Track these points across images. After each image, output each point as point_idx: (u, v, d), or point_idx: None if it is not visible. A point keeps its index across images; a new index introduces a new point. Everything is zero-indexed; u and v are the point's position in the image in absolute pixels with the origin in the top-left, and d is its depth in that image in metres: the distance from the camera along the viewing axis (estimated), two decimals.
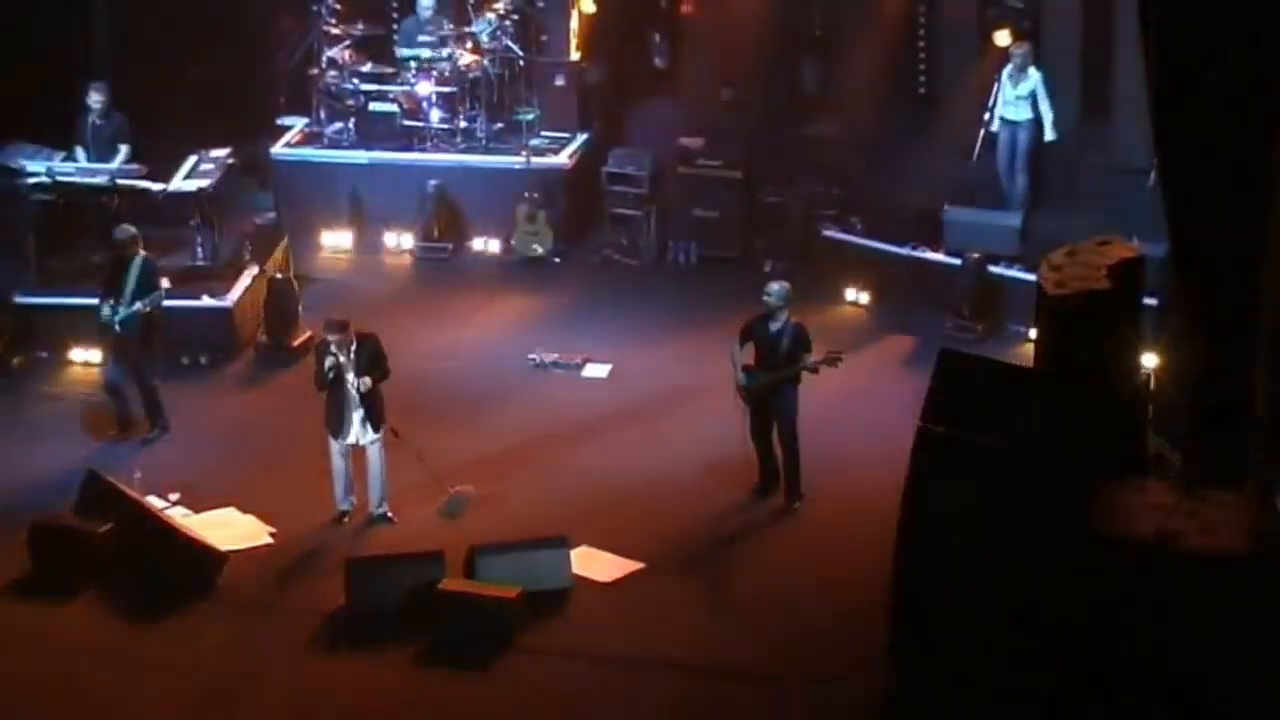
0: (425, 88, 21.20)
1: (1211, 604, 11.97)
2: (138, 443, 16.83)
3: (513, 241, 20.83)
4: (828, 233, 20.14)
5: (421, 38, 21.35)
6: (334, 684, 13.68)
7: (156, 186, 19.28)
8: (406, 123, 21.27)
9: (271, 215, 20.71)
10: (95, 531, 14.84)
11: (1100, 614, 12.25)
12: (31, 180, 19.13)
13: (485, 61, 21.31)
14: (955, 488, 12.65)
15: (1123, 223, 16.65)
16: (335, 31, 21.39)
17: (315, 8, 21.52)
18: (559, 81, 21.70)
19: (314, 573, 14.99)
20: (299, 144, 21.60)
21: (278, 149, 21.47)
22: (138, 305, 16.52)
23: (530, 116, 21.18)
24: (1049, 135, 19.63)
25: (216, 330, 18.62)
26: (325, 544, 15.36)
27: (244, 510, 15.71)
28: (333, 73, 21.34)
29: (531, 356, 18.43)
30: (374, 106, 21.35)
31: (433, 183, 20.81)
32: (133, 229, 16.91)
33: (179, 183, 19.43)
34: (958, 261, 19.08)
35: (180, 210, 19.34)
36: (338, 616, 14.36)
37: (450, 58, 21.18)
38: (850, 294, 19.58)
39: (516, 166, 20.97)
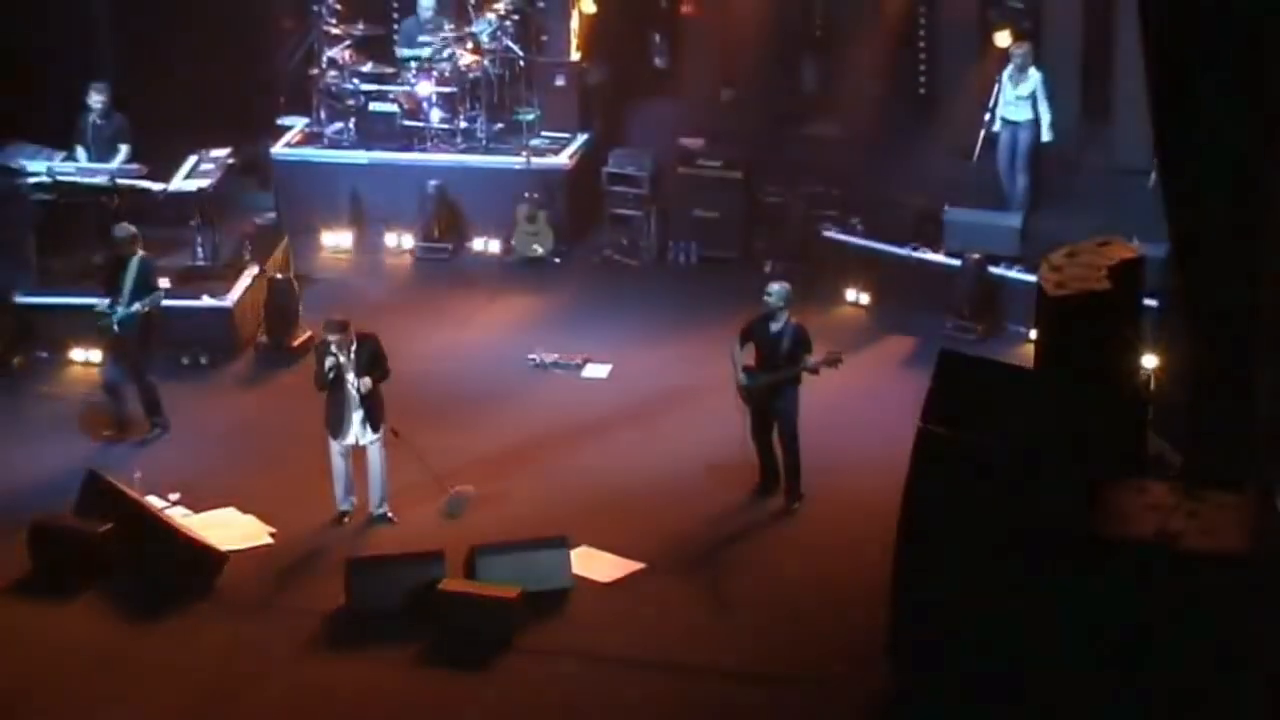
0: (425, 88, 21.20)
1: (1211, 604, 11.98)
2: (138, 443, 16.84)
3: (513, 242, 20.83)
4: (828, 233, 20.13)
5: (422, 38, 21.35)
6: (334, 684, 13.68)
7: (157, 186, 19.29)
8: (407, 123, 21.28)
9: (272, 215, 20.71)
10: (95, 532, 14.84)
11: (1100, 614, 12.25)
12: (32, 180, 19.14)
13: (486, 62, 21.32)
14: (955, 488, 12.66)
15: (1123, 223, 16.64)
16: (335, 31, 21.40)
17: (315, 8, 21.53)
18: (559, 82, 21.70)
19: (314, 573, 14.99)
20: (299, 144, 21.60)
21: (278, 149, 21.47)
22: (136, 306, 16.52)
23: (530, 117, 21.18)
24: (1045, 136, 19.63)
25: (217, 330, 18.63)
26: (325, 544, 15.36)
27: (244, 510, 15.71)
28: (333, 73, 21.34)
29: (532, 357, 18.44)
30: (374, 106, 21.35)
31: (433, 183, 20.81)
32: (132, 228, 16.91)
33: (179, 183, 19.44)
34: (958, 262, 19.08)
35: (180, 210, 19.35)
36: (338, 617, 14.37)
37: (451, 58, 21.18)
38: (850, 294, 19.58)
39: (517, 167, 20.98)
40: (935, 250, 19.47)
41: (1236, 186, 12.43)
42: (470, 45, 21.30)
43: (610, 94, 22.31)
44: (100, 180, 19.14)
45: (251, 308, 18.93)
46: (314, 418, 15.61)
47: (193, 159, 19.76)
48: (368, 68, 21.39)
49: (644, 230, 20.91)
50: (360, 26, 21.46)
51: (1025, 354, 17.08)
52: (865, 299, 19.53)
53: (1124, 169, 19.60)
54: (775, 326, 15.62)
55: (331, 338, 15.25)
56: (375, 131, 21.34)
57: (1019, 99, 19.64)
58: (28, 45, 20.70)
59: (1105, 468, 12.74)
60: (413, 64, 21.29)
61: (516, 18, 21.57)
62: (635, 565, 14.97)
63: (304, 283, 19.41)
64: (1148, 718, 12.24)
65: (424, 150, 21.30)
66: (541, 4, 21.79)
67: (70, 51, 21.12)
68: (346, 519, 15.63)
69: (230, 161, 20.08)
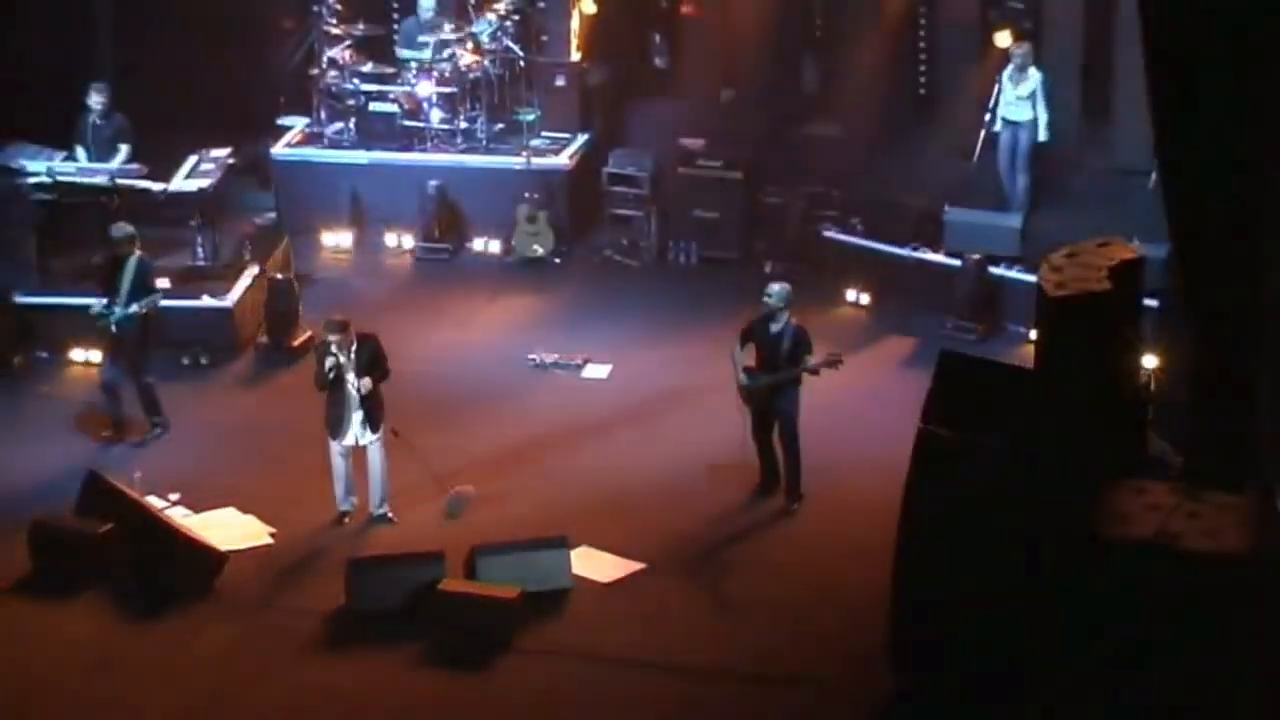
0: (426, 88, 21.20)
1: (1211, 604, 11.97)
2: (138, 443, 16.84)
3: (513, 242, 20.83)
4: (828, 233, 20.14)
5: (422, 38, 21.35)
6: (334, 684, 13.68)
7: (157, 186, 19.29)
8: (407, 123, 21.28)
9: (272, 215, 20.72)
10: (95, 532, 14.84)
11: (1100, 614, 12.25)
12: (32, 180, 19.14)
13: (486, 62, 21.32)
14: (955, 488, 12.66)
15: (1123, 223, 16.65)
16: (336, 31, 21.40)
17: (316, 8, 21.53)
18: (559, 82, 21.70)
19: (314, 573, 14.99)
20: (299, 144, 21.60)
21: (278, 149, 21.48)
22: (134, 308, 16.52)
23: (531, 117, 21.18)
24: (1042, 136, 19.63)
25: (217, 330, 18.63)
26: (325, 544, 15.37)
27: (244, 510, 15.71)
28: (333, 73, 21.34)
29: (532, 357, 18.44)
30: (374, 107, 21.36)
31: (433, 183, 20.81)
32: (130, 228, 16.91)
33: (179, 183, 19.44)
34: (958, 262, 19.08)
35: (180, 210, 19.35)
36: (338, 617, 14.37)
37: (451, 58, 21.19)
38: (851, 295, 19.58)
39: (517, 167, 20.98)
40: (935, 250, 19.47)
41: (1236, 186, 12.43)
42: (470, 45, 21.30)
43: (610, 94, 22.31)
44: (100, 180, 19.14)
45: (252, 308, 18.93)
46: (314, 418, 15.61)
47: (193, 159, 19.76)
48: (368, 68, 21.40)
49: (644, 230, 20.92)
50: (360, 26, 21.47)
51: (1025, 354, 17.08)
52: (865, 299, 19.53)
53: (1124, 169, 19.60)
54: (775, 327, 15.63)
55: (332, 338, 15.25)
56: (375, 132, 21.34)
57: (1019, 99, 19.64)
58: (28, 45, 20.70)
59: (1105, 468, 12.74)
60: (413, 64, 21.30)
61: (517, 18, 21.58)
62: (635, 565, 14.98)
63: (304, 283, 19.42)
64: (1148, 718, 12.24)
65: (424, 150, 21.31)
66: (542, 4, 21.80)
67: (70, 51, 21.14)
68: (347, 519, 15.63)
69: (230, 161, 20.09)
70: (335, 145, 21.41)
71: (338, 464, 15.55)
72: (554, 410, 17.49)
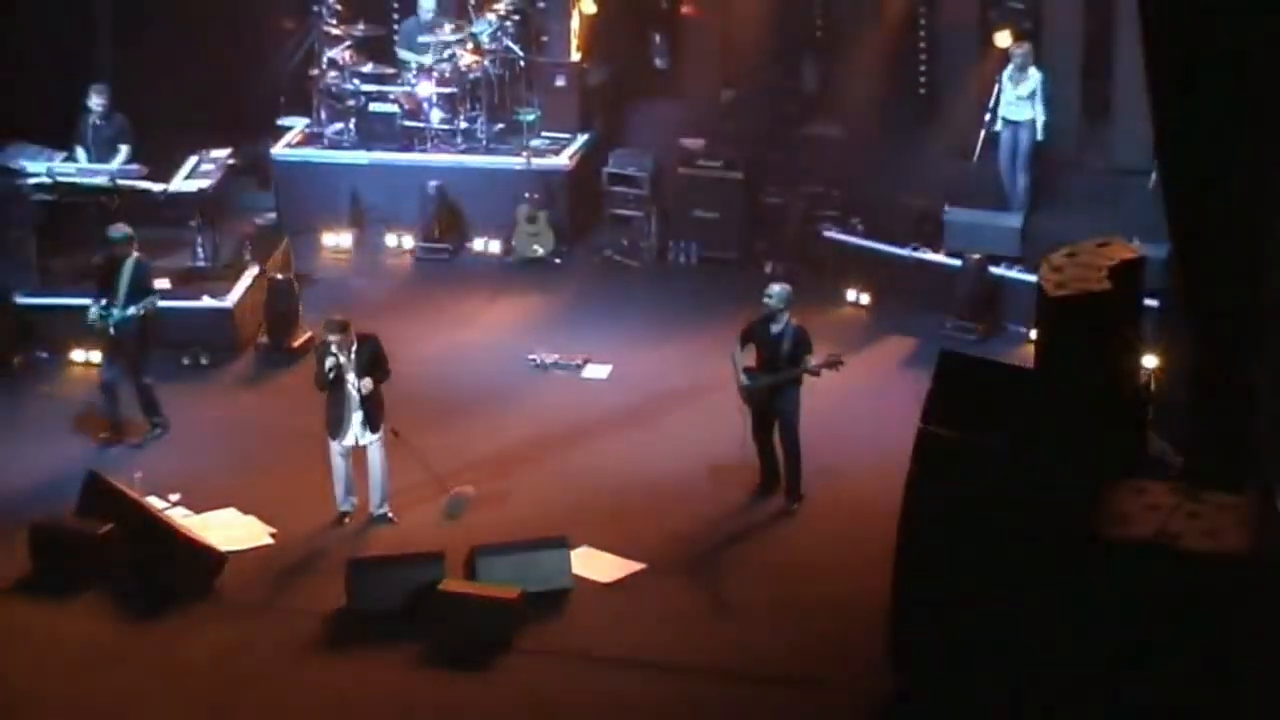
0: (426, 88, 21.21)
1: (1212, 604, 11.97)
2: (138, 443, 16.83)
3: (513, 242, 20.84)
4: (828, 234, 20.14)
5: (422, 39, 21.35)
6: (334, 685, 13.67)
7: (157, 187, 19.29)
8: (407, 123, 21.29)
9: (272, 216, 20.73)
10: (96, 533, 14.84)
11: (1100, 615, 12.25)
12: (32, 181, 19.14)
13: (486, 62, 21.32)
14: (956, 489, 12.66)
15: (1123, 223, 16.67)
16: (336, 32, 21.41)
17: (316, 8, 21.54)
18: (560, 82, 21.71)
19: (314, 573, 14.99)
20: (299, 144, 21.61)
21: (278, 149, 21.48)
22: (132, 310, 16.52)
23: (531, 117, 21.18)
24: (1039, 136, 19.62)
25: (217, 331, 18.63)
26: (326, 545, 15.37)
27: (244, 511, 15.71)
28: (333, 73, 21.35)
29: (532, 357, 18.44)
30: (374, 107, 21.38)
31: (433, 183, 20.81)
32: (127, 229, 16.90)
33: (179, 183, 19.44)
34: (958, 262, 19.08)
35: (181, 211, 19.34)
36: (338, 617, 14.37)
37: (451, 58, 21.19)
38: (851, 295, 19.58)
39: (517, 167, 20.98)
40: (936, 250, 19.47)
41: (1237, 187, 12.43)
42: (471, 46, 21.30)
43: (610, 94, 22.31)
44: (101, 181, 19.14)
45: (252, 308, 18.93)
46: (314, 418, 15.61)
47: (193, 159, 19.76)
48: (368, 68, 21.40)
49: (644, 231, 20.92)
50: (360, 27, 21.47)
51: (1025, 354, 17.09)
52: (865, 299, 19.53)
53: (1124, 169, 19.59)
54: (776, 328, 15.63)
55: (332, 338, 15.25)
56: (375, 132, 21.35)
57: (1020, 99, 19.63)
58: (28, 45, 20.70)
59: (1105, 468, 12.74)
60: (413, 65, 21.30)
61: (517, 18, 21.58)
62: (636, 566, 14.98)
63: (304, 283, 19.42)
64: (1148, 718, 12.24)
65: (424, 151, 21.31)
66: (542, 4, 21.79)
67: (71, 52, 21.13)
68: (347, 519, 15.63)
69: (230, 162, 20.09)
70: (335, 145, 21.41)
71: (338, 464, 15.55)
72: (554, 410, 17.49)
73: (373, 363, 15.33)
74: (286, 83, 22.22)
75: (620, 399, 17.72)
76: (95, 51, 21.58)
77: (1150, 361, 15.93)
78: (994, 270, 18.97)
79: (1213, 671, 11.98)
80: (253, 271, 19.24)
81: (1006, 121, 19.72)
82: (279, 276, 18.94)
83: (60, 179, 19.15)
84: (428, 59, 21.25)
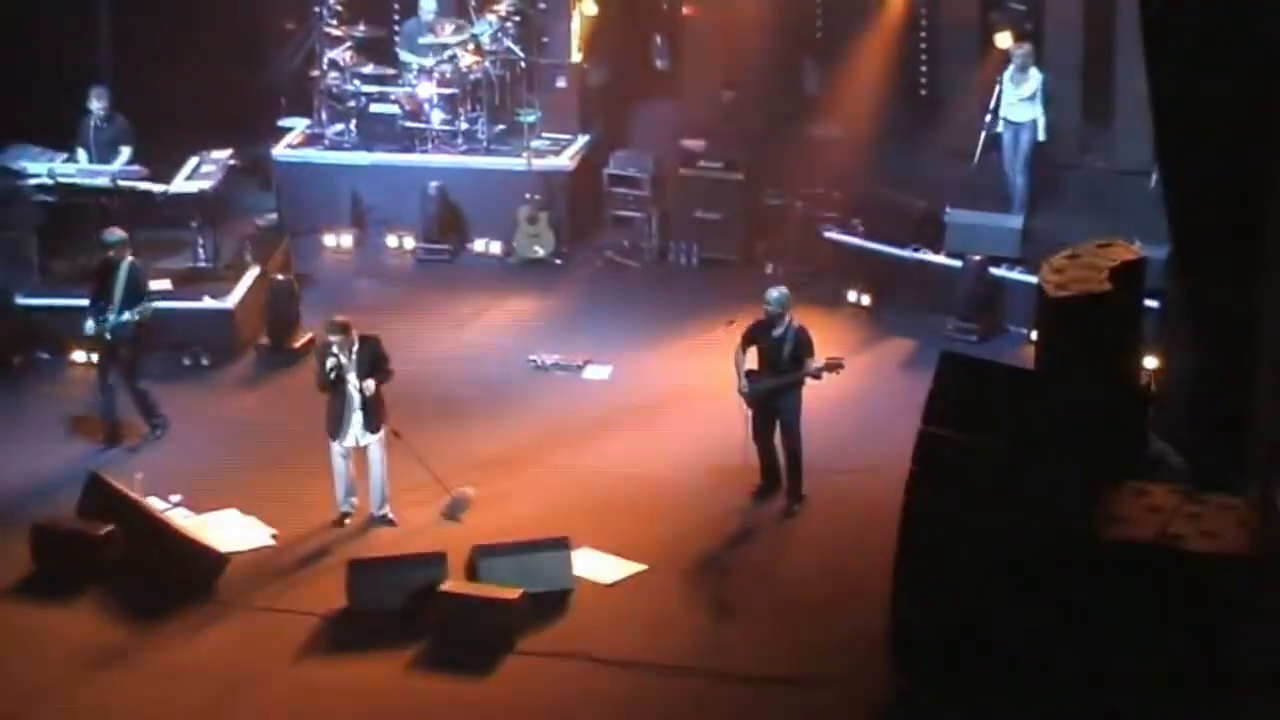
0: (427, 89, 21.21)
1: (1212, 605, 11.98)
2: (139, 445, 16.83)
3: (514, 243, 20.84)
4: (829, 234, 20.14)
5: (423, 40, 21.35)
6: (335, 685, 13.68)
7: (158, 188, 19.27)
8: (408, 124, 21.29)
9: (273, 217, 20.72)
10: (97, 534, 14.84)
11: (1101, 616, 12.25)
12: (33, 182, 19.14)
13: (487, 63, 21.32)
14: (956, 490, 12.66)
15: (1124, 224, 16.67)
16: (336, 33, 21.41)
17: (316, 9, 21.54)
18: (560, 83, 21.71)
19: (315, 574, 14.99)
20: (300, 145, 21.61)
21: (279, 150, 21.48)
22: (127, 315, 16.52)
23: (532, 118, 21.19)
24: (1041, 136, 19.61)
25: (218, 331, 18.64)
26: (326, 545, 15.37)
27: (245, 512, 15.71)
28: (334, 74, 21.34)
29: (533, 358, 18.44)
30: (375, 108, 21.38)
31: (434, 184, 20.81)
32: (121, 233, 16.90)
33: (180, 184, 19.42)
34: (959, 263, 19.08)
35: (181, 212, 19.34)
36: (339, 618, 14.37)
37: (452, 59, 21.20)
38: (851, 296, 19.57)
39: (518, 168, 20.98)
40: (936, 251, 19.47)
41: (1237, 187, 12.45)
42: (471, 47, 21.30)
43: (611, 95, 22.31)
44: (102, 182, 19.14)
45: (252, 309, 18.93)
46: (315, 419, 15.61)
47: (194, 160, 19.74)
48: (369, 69, 21.40)
49: (645, 231, 20.92)
50: (361, 28, 21.47)
51: (1026, 355, 17.09)
52: (866, 300, 19.52)
53: (1125, 170, 19.60)
54: (777, 331, 15.63)
55: (333, 339, 15.26)
56: (376, 133, 21.36)
57: (1021, 100, 19.62)
58: (30, 47, 20.70)
59: (1106, 469, 12.74)
60: (414, 66, 21.31)
61: (518, 19, 21.58)
62: (637, 566, 14.98)
63: (305, 284, 19.43)
64: (1148, 718, 12.25)
65: (425, 152, 21.31)
66: (543, 5, 21.79)
67: (72, 53, 21.13)
68: (348, 520, 15.63)
69: (231, 163, 20.07)
70: (336, 146, 21.41)
71: (338, 465, 15.55)
72: (555, 411, 17.49)
73: (373, 363, 15.34)
74: (287, 84, 22.23)
75: (621, 400, 17.73)
76: (96, 53, 21.58)
77: (1150, 362, 15.94)
78: (994, 271, 18.97)
79: (1214, 672, 11.99)
80: (253, 272, 19.24)
81: (1008, 122, 19.71)
82: (280, 277, 18.95)
83: (61, 180, 19.15)
84: (428, 60, 21.26)
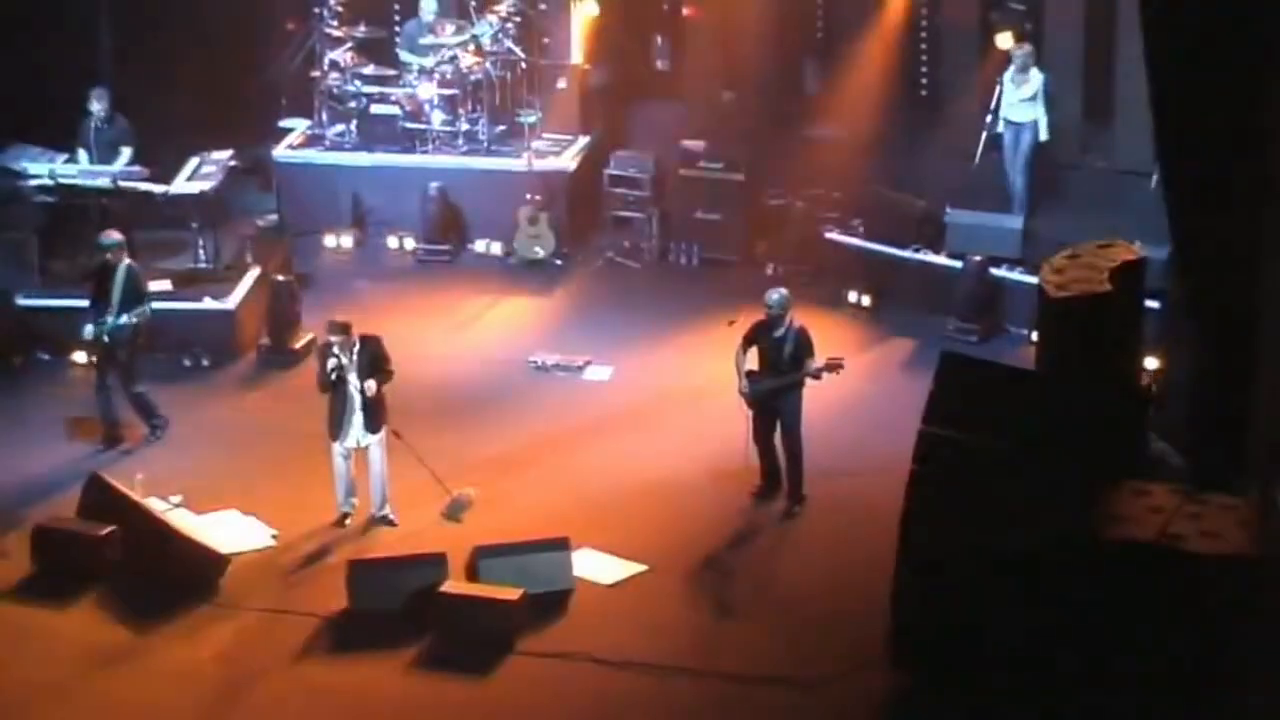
0: (427, 90, 21.22)
1: (1212, 606, 11.98)
2: (140, 445, 16.84)
3: (514, 244, 20.85)
4: (829, 235, 20.15)
5: (423, 41, 21.36)
6: (336, 686, 13.67)
7: (159, 189, 19.27)
8: (408, 125, 21.31)
9: (273, 217, 20.72)
10: (98, 534, 14.84)
11: (1101, 616, 12.25)
12: (34, 182, 19.14)
13: (487, 64, 21.33)
14: (957, 490, 12.66)
15: (1125, 225, 16.67)
16: (337, 34, 21.42)
17: (317, 10, 21.55)
18: (561, 84, 21.73)
19: (316, 575, 14.99)
20: (301, 146, 21.63)
21: (280, 151, 21.49)
22: (125, 319, 16.52)
23: (532, 119, 21.20)
24: (1043, 136, 19.61)
25: (218, 332, 18.65)
26: (327, 546, 15.37)
27: (246, 512, 15.71)
28: (334, 75, 21.36)
29: (533, 359, 18.45)
30: (376, 109, 21.40)
31: (434, 185, 20.82)
32: (119, 236, 16.90)
33: (181, 185, 19.42)
34: (959, 264, 19.09)
35: (182, 212, 19.34)
36: (339, 619, 14.37)
37: (452, 60, 21.20)
38: (852, 296, 19.58)
39: (518, 169, 20.98)
40: (937, 252, 19.48)
41: (1238, 188, 12.45)
42: (472, 47, 21.32)
43: (612, 96, 22.32)
44: (102, 183, 19.14)
45: (253, 310, 18.94)
46: (316, 419, 15.61)
47: (194, 161, 19.74)
48: (369, 70, 21.41)
49: (645, 232, 20.94)
50: (362, 29, 21.49)
51: (1026, 356, 17.08)
52: (867, 301, 19.53)
53: (1126, 170, 19.61)
54: (778, 332, 15.63)
55: (333, 339, 15.26)
56: (377, 134, 21.38)
57: (1022, 100, 19.61)
58: (31, 48, 20.71)
59: (1106, 469, 12.74)
60: (414, 66, 21.31)
61: (518, 20, 21.59)
62: (637, 567, 14.97)
63: (305, 285, 19.43)
64: (1148, 718, 12.25)
65: (425, 152, 21.33)
66: (543, 6, 21.82)
67: (73, 54, 21.12)
68: (348, 521, 15.63)
69: (232, 164, 20.06)
70: (337, 147, 21.43)
71: (339, 465, 15.56)
72: (555, 412, 17.50)
73: (374, 364, 15.34)
74: (288, 84, 22.23)
75: (621, 401, 17.73)
76: (97, 54, 21.58)
77: (1151, 363, 15.94)
78: (995, 272, 18.98)
79: (1215, 673, 11.98)
80: (254, 273, 19.25)
81: (1008, 123, 19.72)
82: (280, 278, 18.95)
83: (62, 181, 19.16)
84: (429, 61, 21.27)
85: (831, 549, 15.20)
